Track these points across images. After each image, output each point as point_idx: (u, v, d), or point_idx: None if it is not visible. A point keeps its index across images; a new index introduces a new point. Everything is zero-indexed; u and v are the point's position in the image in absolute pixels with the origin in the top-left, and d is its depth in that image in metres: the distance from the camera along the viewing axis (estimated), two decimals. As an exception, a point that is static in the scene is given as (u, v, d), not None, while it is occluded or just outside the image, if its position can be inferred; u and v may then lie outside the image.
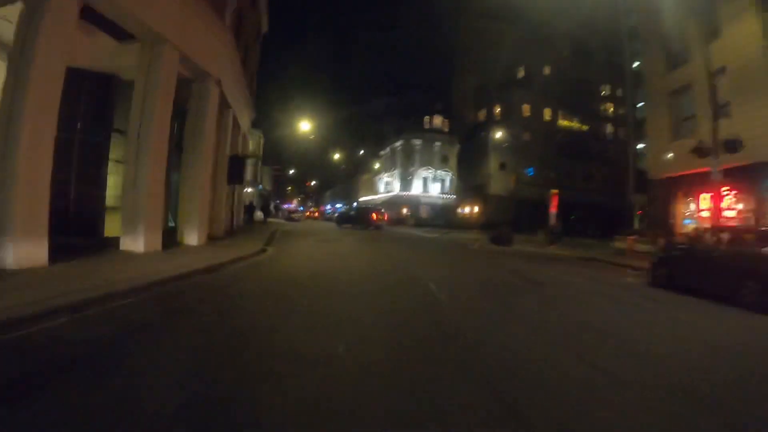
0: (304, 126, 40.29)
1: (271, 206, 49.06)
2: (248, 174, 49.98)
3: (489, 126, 49.99)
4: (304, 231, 25.08)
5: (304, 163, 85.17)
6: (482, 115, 53.55)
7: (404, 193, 45.49)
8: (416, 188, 45.47)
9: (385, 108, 60.77)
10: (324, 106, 63.00)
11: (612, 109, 62.20)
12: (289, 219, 44.77)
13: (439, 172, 46.46)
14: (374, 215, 30.07)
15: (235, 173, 15.24)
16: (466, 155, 48.56)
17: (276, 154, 74.67)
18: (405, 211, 45.85)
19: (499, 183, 47.61)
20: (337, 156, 65.93)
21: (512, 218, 47.38)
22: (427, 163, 46.03)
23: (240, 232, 17.92)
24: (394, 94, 61.98)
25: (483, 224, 45.95)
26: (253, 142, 52.05)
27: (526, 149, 50.80)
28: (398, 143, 47.39)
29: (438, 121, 50.71)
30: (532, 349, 3.94)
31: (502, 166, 49.09)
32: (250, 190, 49.90)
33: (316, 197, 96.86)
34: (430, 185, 46.05)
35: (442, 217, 44.80)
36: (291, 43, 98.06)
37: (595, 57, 61.89)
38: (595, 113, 60.26)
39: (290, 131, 49.76)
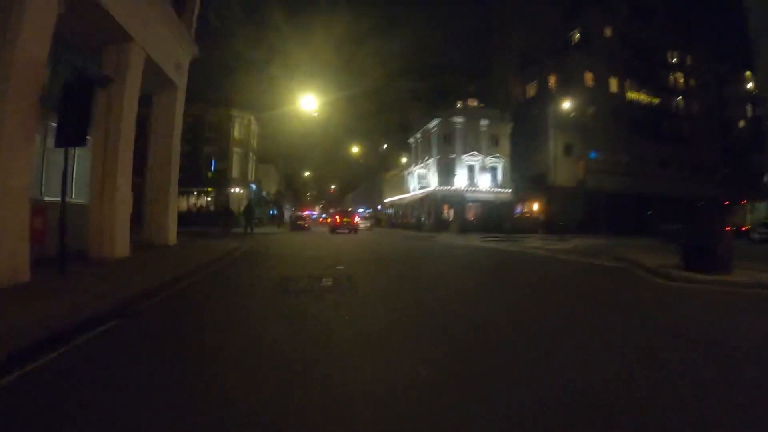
0: (309, 103, 29.45)
1: (256, 212, 38.19)
2: (234, 170, 39.23)
3: (546, 99, 38.96)
4: (291, 248, 14.53)
5: (321, 164, 75.39)
6: (532, 89, 42.57)
7: (444, 187, 34.42)
8: (460, 181, 34.41)
9: (411, 94, 50.31)
10: (339, 94, 52.59)
11: (683, 79, 51.18)
12: (296, 227, 34.60)
13: (488, 159, 35.36)
14: (337, 218, 29.92)
15: (71, 120, 4.50)
16: (519, 139, 37.53)
17: (287, 156, 64.30)
18: (447, 211, 34.79)
19: (563, 171, 36.49)
20: (355, 150, 55.26)
21: (583, 216, 36.51)
22: (472, 147, 34.96)
23: (124, 263, 7.17)
24: (420, 78, 51.70)
25: (546, 224, 34.97)
26: (241, 128, 41.39)
27: (593, 128, 39.76)
28: (433, 124, 36.40)
29: (473, 105, 39.94)
30: None
31: (567, 150, 37.98)
32: (237, 190, 39.32)
33: (338, 202, 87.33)
34: (478, 176, 34.95)
35: (497, 217, 33.72)
36: (301, 21, 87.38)
37: (656, 18, 50.96)
38: (664, 84, 49.17)
39: (296, 114, 39.10)
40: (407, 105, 49.30)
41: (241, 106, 39.27)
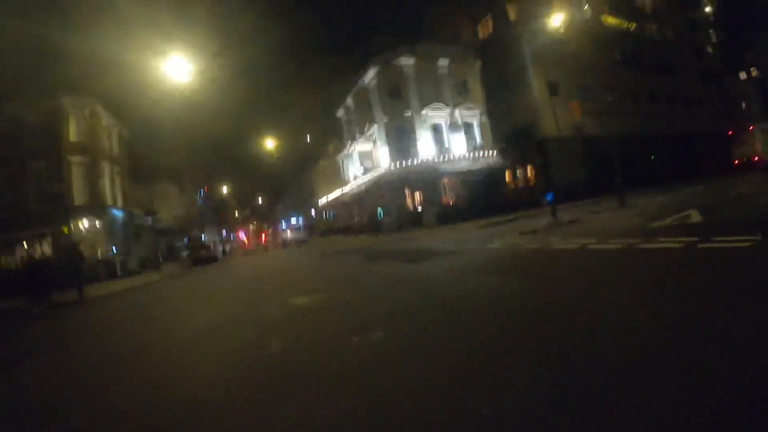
0: (177, 67, 16.62)
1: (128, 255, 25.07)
2: (78, 193, 22.80)
3: (509, 33, 28.76)
4: None
5: (244, 176, 62.34)
6: (486, 27, 32.22)
7: (402, 163, 22.95)
8: (424, 149, 23.09)
9: (332, 70, 38.68)
10: (245, 84, 39.97)
11: (650, 2, 43.60)
12: (199, 261, 22.77)
13: (458, 111, 24.34)
14: (245, 240, 26.27)
15: None
16: (488, 89, 26.98)
17: (194, 169, 50.62)
18: (411, 200, 23.36)
19: (553, 118, 26.43)
20: (275, 150, 42.62)
21: (589, 171, 27.13)
22: (432, 98, 23.80)
23: None
24: (342, 49, 40.74)
25: (547, 192, 24.91)
26: (82, 125, 26.76)
27: (576, 61, 30.37)
28: (370, 76, 24.88)
29: (425, 43, 28.75)
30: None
31: (554, 90, 28.02)
32: (86, 224, 24.89)
33: (268, 216, 74.24)
34: (449, 139, 23.86)
35: (485, 193, 22.89)
36: None
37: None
38: (635, 7, 41.29)
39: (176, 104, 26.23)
40: (329, 83, 37.47)
41: (79, 91, 25.56)
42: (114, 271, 22.89)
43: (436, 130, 23.55)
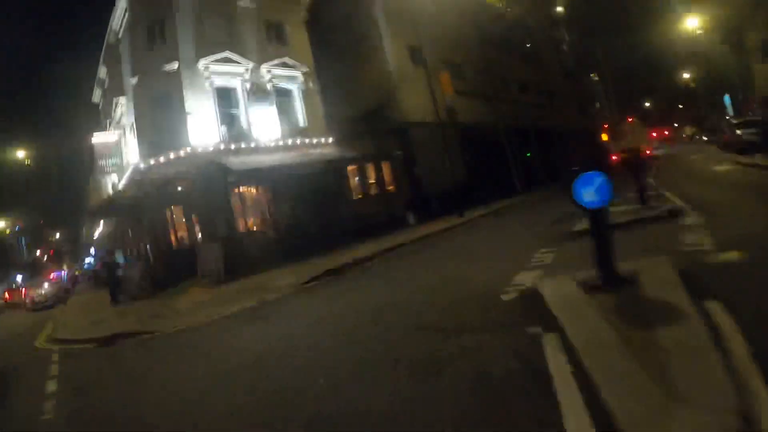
0: None
1: None
2: None
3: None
4: None
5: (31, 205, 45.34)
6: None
7: (159, 159, 12.41)
8: (201, 133, 12.85)
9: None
10: None
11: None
12: None
13: (267, 70, 14.55)
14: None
15: None
16: (320, 41, 17.94)
17: None
18: (183, 228, 12.91)
19: (414, 97, 18.36)
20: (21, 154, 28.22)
21: (466, 170, 20.67)
22: (223, 43, 13.69)
23: None
24: None
25: (411, 202, 17.00)
26: None
27: (439, 29, 23.24)
28: (120, 9, 13.87)
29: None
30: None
31: (415, 56, 19.97)
32: None
33: (71, 251, 58.06)
34: (249, 115, 13.96)
35: (317, 210, 13.72)
36: None
37: None
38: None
39: None
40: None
41: None
42: None
43: (225, 98, 13.51)
